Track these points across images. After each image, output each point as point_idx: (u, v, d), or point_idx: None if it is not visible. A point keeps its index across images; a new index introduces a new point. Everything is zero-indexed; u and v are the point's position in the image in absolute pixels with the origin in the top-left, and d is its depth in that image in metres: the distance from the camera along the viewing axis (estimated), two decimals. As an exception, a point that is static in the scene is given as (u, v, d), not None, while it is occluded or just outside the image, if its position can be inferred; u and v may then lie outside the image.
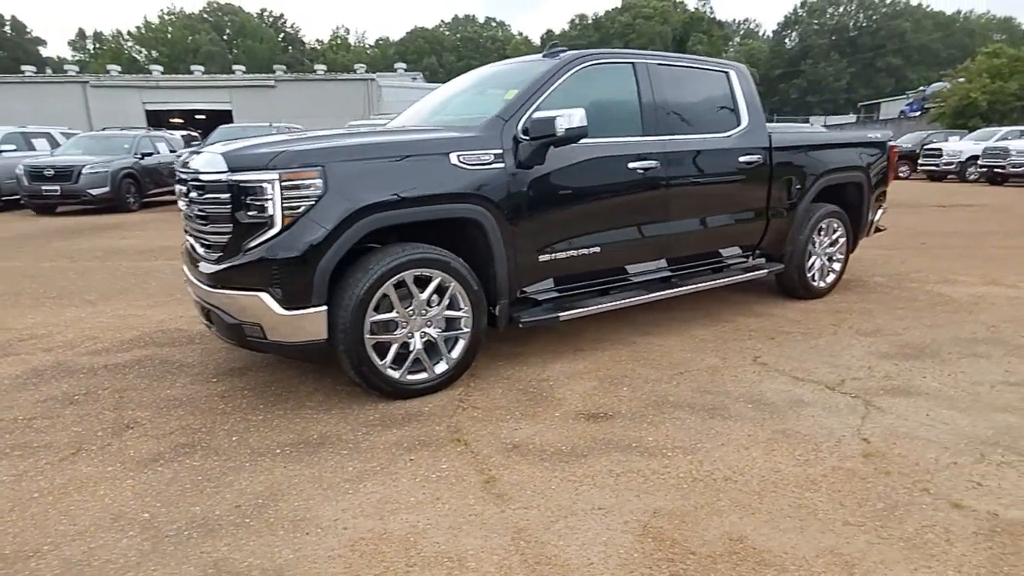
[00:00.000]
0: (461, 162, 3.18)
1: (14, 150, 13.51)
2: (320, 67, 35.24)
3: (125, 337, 4.31)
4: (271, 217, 2.80)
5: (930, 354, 3.80)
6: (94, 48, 77.33)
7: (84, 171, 12.00)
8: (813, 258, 4.99)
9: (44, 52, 75.27)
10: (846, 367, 3.60)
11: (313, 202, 2.82)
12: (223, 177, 2.87)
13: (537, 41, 70.35)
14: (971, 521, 2.14)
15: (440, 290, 3.21)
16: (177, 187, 3.47)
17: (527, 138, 3.34)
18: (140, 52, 73.82)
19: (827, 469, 2.49)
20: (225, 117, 26.37)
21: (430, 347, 3.26)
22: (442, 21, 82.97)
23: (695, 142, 4.07)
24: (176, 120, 29.88)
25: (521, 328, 3.54)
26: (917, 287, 5.48)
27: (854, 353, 3.83)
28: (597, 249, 3.71)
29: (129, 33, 77.16)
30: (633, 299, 3.95)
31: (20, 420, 3.02)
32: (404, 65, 38.60)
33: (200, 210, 3.03)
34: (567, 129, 3.22)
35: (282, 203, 2.78)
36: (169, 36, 73.10)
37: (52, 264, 7.03)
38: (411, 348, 3.18)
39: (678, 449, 2.67)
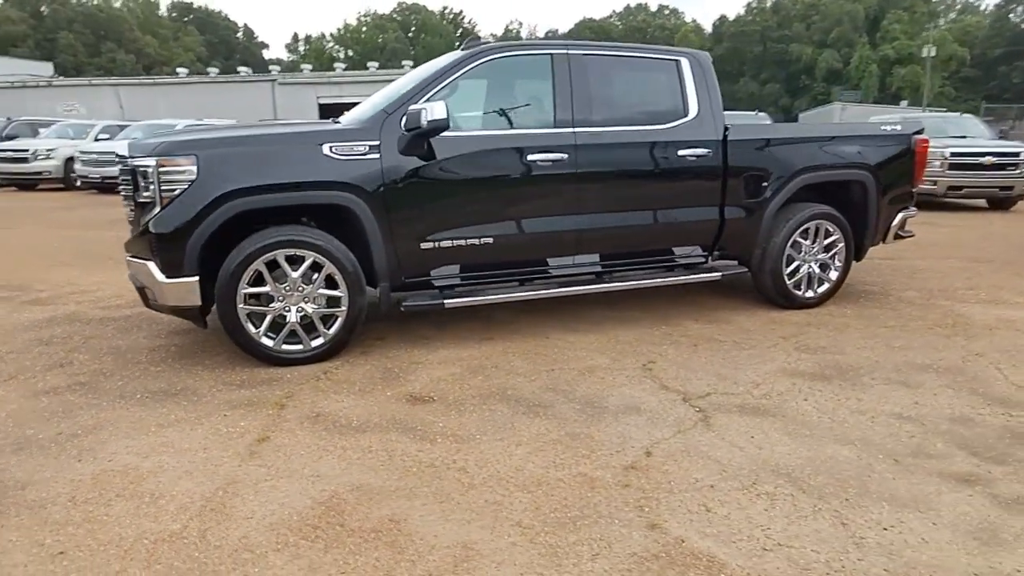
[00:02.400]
0: (333, 152, 3.43)
1: (190, 139, 16.02)
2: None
3: (140, 296, 5.15)
4: (154, 198, 3.28)
5: (849, 377, 3.35)
6: (303, 49, 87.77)
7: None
8: (795, 264, 4.51)
9: (266, 55, 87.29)
10: (733, 381, 3.31)
11: (186, 186, 3.26)
12: (128, 161, 3.41)
13: (709, 29, 67.06)
14: (646, 543, 2.00)
15: (318, 270, 3.50)
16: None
17: (404, 130, 3.50)
18: (338, 51, 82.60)
19: (569, 475, 2.42)
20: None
21: (314, 321, 3.57)
22: (613, 11, 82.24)
23: (616, 134, 3.92)
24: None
25: (404, 312, 3.73)
26: (946, 305, 4.71)
27: (764, 368, 3.49)
28: (490, 240, 3.76)
29: (331, 35, 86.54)
30: (538, 293, 3.94)
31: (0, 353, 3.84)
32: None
33: (120, 189, 3.61)
34: (429, 121, 3.34)
35: (160, 186, 3.25)
36: (362, 36, 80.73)
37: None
38: (287, 321, 3.52)
39: (453, 438, 2.73)
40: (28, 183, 15.91)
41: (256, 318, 3.48)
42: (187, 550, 1.98)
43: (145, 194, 3.33)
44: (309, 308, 3.54)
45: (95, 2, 69.46)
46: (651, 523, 2.11)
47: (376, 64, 36.75)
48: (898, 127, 4.66)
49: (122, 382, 3.36)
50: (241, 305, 3.40)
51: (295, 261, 3.46)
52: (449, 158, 3.60)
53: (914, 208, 4.90)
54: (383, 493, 2.30)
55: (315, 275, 3.49)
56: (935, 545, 1.98)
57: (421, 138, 3.50)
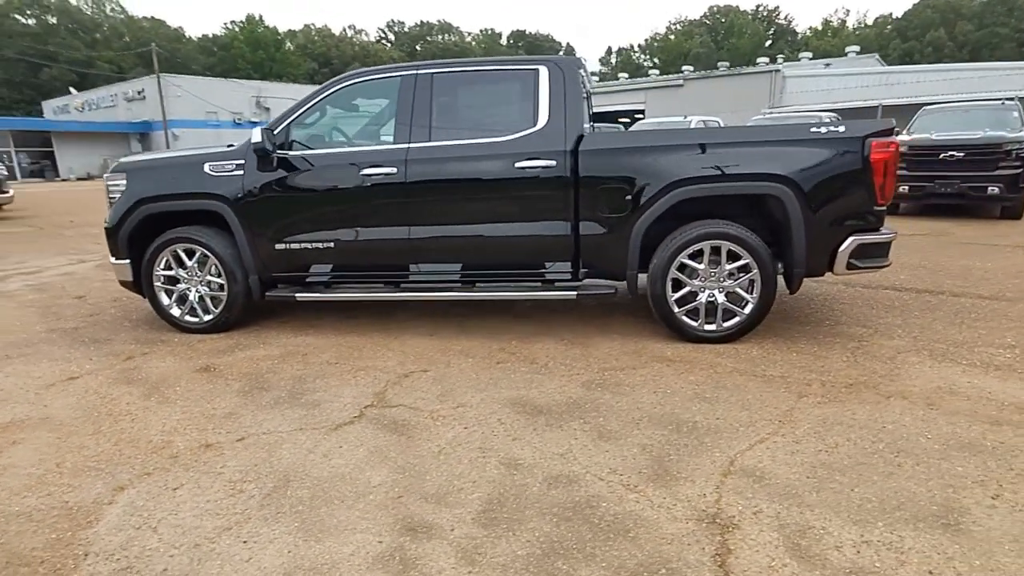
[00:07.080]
0: (211, 170, 4.27)
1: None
2: (806, 54, 34.93)
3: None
4: (108, 202, 4.57)
5: (562, 418, 2.96)
6: (615, 61, 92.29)
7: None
8: (686, 290, 3.88)
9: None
10: (441, 400, 3.22)
11: (119, 195, 4.45)
12: (110, 175, 4.77)
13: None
14: (80, 499, 2.40)
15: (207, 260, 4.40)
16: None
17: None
18: (645, 60, 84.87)
19: (161, 441, 2.85)
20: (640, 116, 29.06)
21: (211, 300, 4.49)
22: (975, -18, 67.20)
23: (446, 148, 3.95)
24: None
25: (266, 300, 4.40)
26: (897, 359, 3.50)
27: (501, 395, 3.26)
28: (331, 244, 4.18)
29: (638, 45, 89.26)
30: (389, 295, 4.22)
31: (12, 315, 5.53)
32: (857, 48, 33.78)
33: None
34: (253, 144, 3.96)
35: (108, 194, 4.51)
36: (669, 43, 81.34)
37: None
38: (190, 299, 4.50)
39: (162, 400, 3.33)
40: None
41: (170, 294, 4.54)
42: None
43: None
44: (203, 290, 4.47)
45: (453, 39, 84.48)
46: (120, 486, 2.47)
47: (690, 68, 36.26)
48: (840, 128, 3.60)
49: (75, 325, 4.75)
50: (157, 284, 4.49)
51: (193, 253, 4.42)
52: (291, 174, 4.15)
53: (888, 231, 3.71)
54: (40, 425, 3.04)
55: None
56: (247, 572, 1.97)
57: (265, 157, 4.12)
